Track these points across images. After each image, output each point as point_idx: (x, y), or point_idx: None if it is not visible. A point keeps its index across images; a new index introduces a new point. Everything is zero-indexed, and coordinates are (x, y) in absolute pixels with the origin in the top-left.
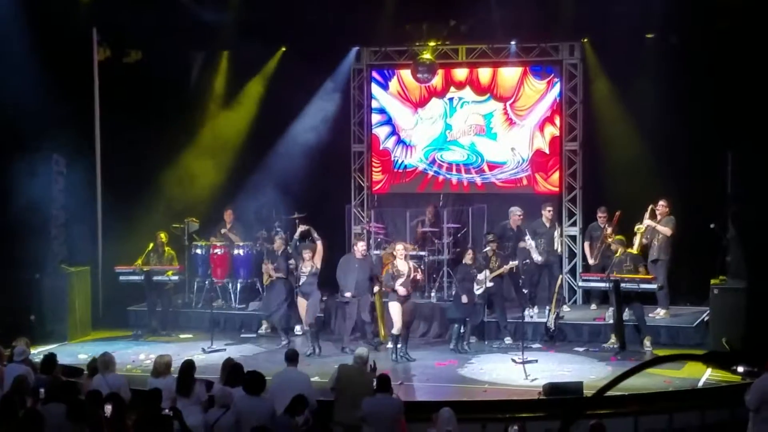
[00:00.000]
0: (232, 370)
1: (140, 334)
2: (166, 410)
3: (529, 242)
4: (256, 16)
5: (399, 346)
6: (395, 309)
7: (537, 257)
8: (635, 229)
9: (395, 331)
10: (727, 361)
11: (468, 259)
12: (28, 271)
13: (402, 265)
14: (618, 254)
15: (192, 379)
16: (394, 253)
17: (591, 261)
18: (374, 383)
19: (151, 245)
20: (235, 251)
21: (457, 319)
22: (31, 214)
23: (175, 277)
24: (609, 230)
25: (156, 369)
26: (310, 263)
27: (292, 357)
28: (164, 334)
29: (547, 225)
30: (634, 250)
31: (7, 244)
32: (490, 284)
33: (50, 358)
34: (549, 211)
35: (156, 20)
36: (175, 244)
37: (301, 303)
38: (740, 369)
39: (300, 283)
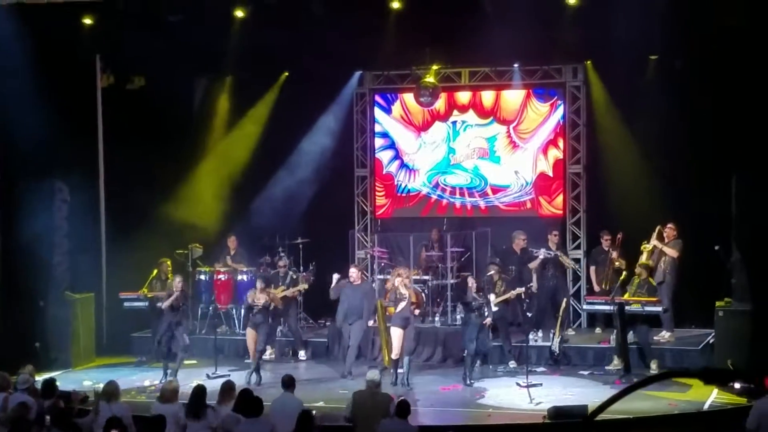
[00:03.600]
0: (240, 395)
1: (144, 361)
2: None
3: (543, 253)
4: (259, 41)
5: (400, 370)
6: (396, 334)
7: (534, 285)
8: (642, 247)
9: (394, 355)
10: (723, 378)
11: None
12: (32, 298)
13: (403, 290)
14: (639, 278)
15: (203, 404)
16: (395, 279)
17: (596, 288)
18: (390, 405)
19: (155, 272)
20: (239, 277)
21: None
22: (35, 241)
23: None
24: (615, 254)
25: (163, 395)
26: (265, 297)
27: (288, 383)
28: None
29: (554, 249)
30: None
31: (12, 271)
32: (495, 309)
33: (49, 383)
34: (555, 235)
35: (159, 47)
36: (179, 270)
37: (250, 333)
38: (737, 386)
39: (252, 313)
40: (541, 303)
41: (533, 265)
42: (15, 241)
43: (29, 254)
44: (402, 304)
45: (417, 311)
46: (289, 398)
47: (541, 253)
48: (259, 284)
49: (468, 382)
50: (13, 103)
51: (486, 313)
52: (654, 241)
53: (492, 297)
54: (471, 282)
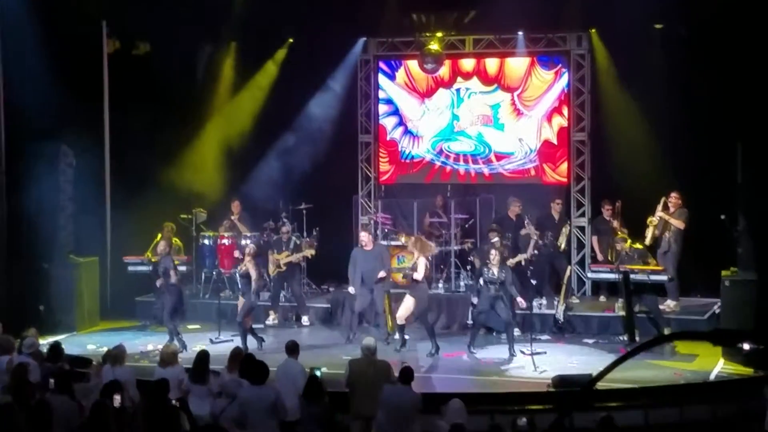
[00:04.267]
0: (244, 360)
1: (147, 325)
2: (173, 401)
3: (529, 228)
4: (263, 7)
5: (406, 336)
6: (408, 301)
7: (529, 252)
8: (647, 221)
9: (400, 321)
10: (732, 339)
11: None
12: (36, 261)
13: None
14: (624, 249)
15: (207, 368)
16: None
17: (600, 257)
18: (389, 371)
19: (159, 236)
20: (243, 242)
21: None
22: (40, 204)
23: (183, 268)
24: (616, 223)
25: (163, 359)
26: (243, 266)
27: (292, 348)
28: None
29: (556, 218)
30: (647, 242)
31: (16, 234)
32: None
33: (56, 347)
34: (558, 204)
35: (164, 13)
36: (182, 234)
37: (240, 301)
38: (746, 347)
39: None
40: (540, 269)
41: (524, 232)
42: (19, 204)
43: (34, 217)
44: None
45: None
46: (293, 364)
47: (530, 232)
48: (248, 249)
49: (471, 350)
50: (19, 68)
51: (508, 288)
52: (659, 213)
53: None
54: (494, 254)
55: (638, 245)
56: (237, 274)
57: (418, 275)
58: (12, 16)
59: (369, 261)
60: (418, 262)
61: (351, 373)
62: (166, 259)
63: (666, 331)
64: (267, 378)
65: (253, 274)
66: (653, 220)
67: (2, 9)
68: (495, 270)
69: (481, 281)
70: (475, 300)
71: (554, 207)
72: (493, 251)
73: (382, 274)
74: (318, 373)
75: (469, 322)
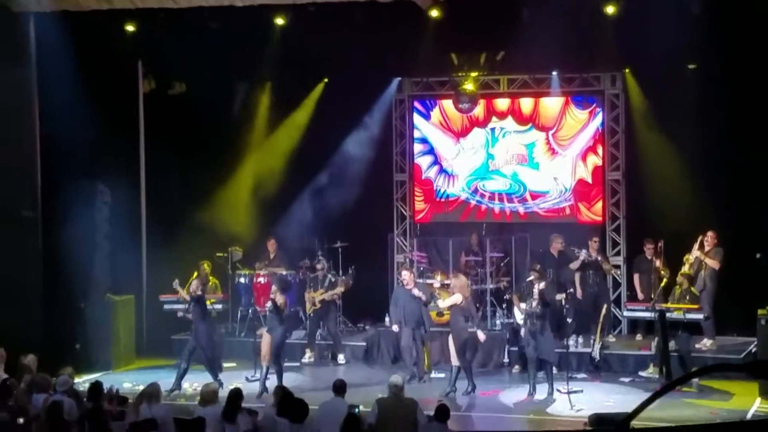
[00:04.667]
0: (284, 398)
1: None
2: None
3: (584, 254)
4: (298, 47)
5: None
6: (450, 340)
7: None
8: (684, 259)
9: (454, 362)
10: None
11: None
12: (72, 299)
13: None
14: (681, 287)
15: (238, 407)
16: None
17: (641, 296)
18: (416, 410)
19: (195, 274)
20: None
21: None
22: (76, 243)
23: (219, 306)
24: (658, 262)
25: (203, 398)
26: (277, 299)
27: (339, 387)
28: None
29: (595, 256)
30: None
31: (53, 273)
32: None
33: (96, 386)
34: (595, 242)
35: (200, 53)
36: (218, 272)
37: (265, 338)
38: None
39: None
40: (584, 308)
41: (574, 265)
42: (56, 242)
43: (70, 256)
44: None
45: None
46: (339, 403)
47: (582, 254)
48: (273, 286)
49: (532, 390)
50: (57, 107)
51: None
52: (696, 252)
53: (532, 302)
54: (535, 289)
55: (694, 289)
56: (267, 310)
57: (444, 303)
58: (49, 55)
59: (411, 300)
60: (454, 297)
61: (379, 411)
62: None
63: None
64: (306, 416)
65: (280, 300)
66: (689, 258)
67: (40, 47)
68: (534, 304)
69: (517, 316)
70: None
71: (591, 245)
72: (536, 287)
73: (419, 292)
74: (356, 411)
75: (505, 360)
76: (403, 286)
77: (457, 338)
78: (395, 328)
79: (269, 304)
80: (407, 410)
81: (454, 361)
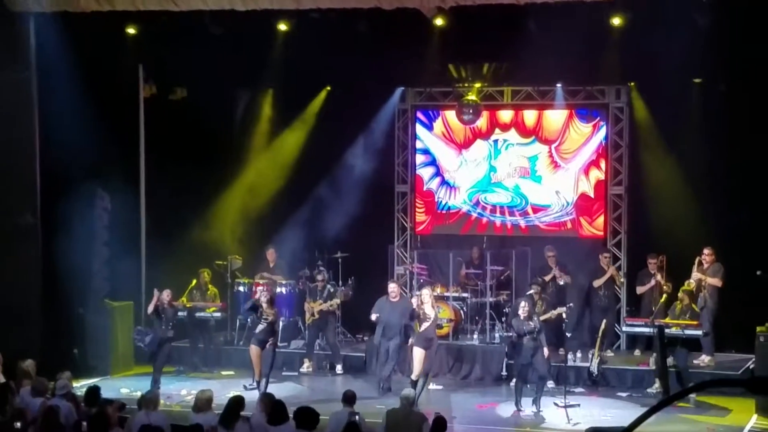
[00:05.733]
0: (274, 408)
1: (182, 371)
2: None
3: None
4: (301, 55)
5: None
6: (417, 354)
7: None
8: (686, 284)
9: (413, 376)
10: None
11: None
12: (71, 305)
13: (429, 310)
14: (682, 303)
15: (237, 415)
16: (422, 297)
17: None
18: (423, 424)
19: (195, 282)
20: (278, 289)
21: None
22: (76, 249)
23: (218, 314)
24: (659, 277)
25: (197, 405)
26: (269, 313)
27: (349, 398)
28: (206, 370)
29: (601, 269)
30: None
31: (52, 278)
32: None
33: (93, 390)
34: (606, 257)
35: (201, 58)
36: (218, 281)
37: (254, 351)
38: None
39: (256, 331)
40: (587, 322)
41: (597, 282)
42: (55, 248)
43: (69, 261)
44: (425, 324)
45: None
46: (347, 414)
47: (555, 271)
48: (263, 298)
49: (520, 407)
50: (56, 111)
51: (541, 337)
52: (696, 275)
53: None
54: (524, 305)
55: (695, 306)
56: (265, 323)
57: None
58: (49, 58)
59: (395, 313)
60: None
61: (387, 422)
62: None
63: None
64: (317, 425)
65: (264, 303)
66: (691, 283)
67: (39, 53)
68: (531, 321)
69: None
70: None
71: (602, 259)
72: (523, 303)
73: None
74: (356, 419)
75: (503, 373)
76: (387, 298)
77: (428, 348)
78: (374, 317)
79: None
80: (415, 423)
81: (417, 374)
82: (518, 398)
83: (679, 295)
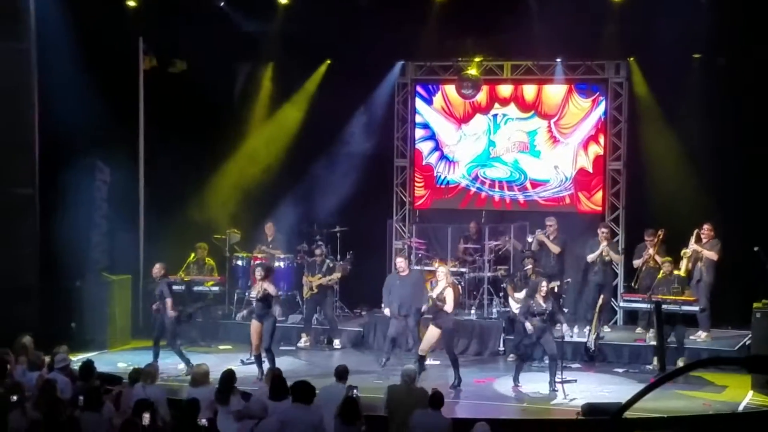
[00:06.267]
0: (274, 382)
1: (180, 344)
2: (203, 420)
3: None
4: (302, 28)
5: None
6: (432, 331)
7: (554, 248)
8: (681, 253)
9: (421, 351)
10: None
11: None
12: (69, 278)
13: (445, 291)
14: (664, 274)
15: (230, 389)
16: (437, 277)
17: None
18: (426, 399)
19: (193, 256)
20: (276, 263)
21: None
22: (74, 221)
23: (216, 288)
24: (651, 251)
25: (195, 379)
26: (263, 287)
27: (341, 374)
28: (203, 344)
29: (597, 245)
30: (682, 273)
31: (50, 251)
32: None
33: (88, 365)
34: (604, 232)
35: (202, 31)
36: (216, 255)
37: (254, 326)
38: None
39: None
40: (584, 297)
41: (591, 257)
42: (54, 220)
43: (68, 234)
44: (443, 304)
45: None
46: (339, 388)
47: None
48: (258, 273)
49: (518, 383)
50: (56, 84)
51: (557, 318)
52: (692, 246)
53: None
54: (544, 285)
55: (681, 272)
56: (254, 300)
57: (449, 307)
58: (49, 31)
59: (405, 287)
60: (446, 293)
61: (390, 399)
62: (162, 283)
63: (680, 363)
64: (314, 398)
65: (273, 291)
66: (686, 252)
67: (39, 24)
68: (541, 301)
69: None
70: (530, 327)
71: (600, 234)
72: (544, 284)
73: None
74: (355, 393)
75: (501, 348)
76: (397, 274)
77: (447, 332)
78: (387, 312)
79: (255, 292)
80: (416, 399)
81: (423, 351)
82: (517, 374)
83: (664, 267)
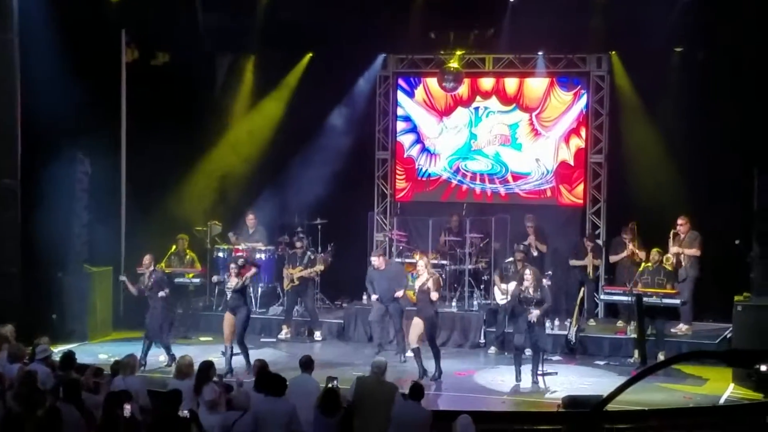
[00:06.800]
0: (261, 373)
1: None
2: (184, 412)
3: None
4: (283, 21)
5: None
6: (416, 323)
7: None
8: (664, 259)
9: (412, 344)
10: (748, 360)
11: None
12: (50, 269)
13: (427, 280)
14: (653, 263)
15: (205, 379)
16: (417, 269)
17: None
18: (395, 394)
19: (174, 247)
20: (257, 255)
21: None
22: (55, 213)
23: (197, 280)
24: (631, 245)
25: (180, 370)
26: (236, 279)
27: (307, 364)
28: (184, 336)
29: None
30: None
31: (31, 242)
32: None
33: (68, 355)
34: (589, 245)
35: (184, 23)
36: (197, 247)
37: (227, 318)
38: (764, 368)
39: (226, 297)
40: (571, 290)
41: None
42: (35, 211)
43: (49, 225)
44: (425, 294)
45: (435, 296)
46: (306, 379)
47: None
48: (232, 266)
49: (519, 378)
50: (38, 75)
51: (500, 298)
52: (673, 249)
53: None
54: (528, 274)
55: (668, 266)
56: (230, 291)
57: (434, 295)
58: (31, 24)
59: (384, 280)
60: (430, 283)
61: (357, 390)
62: (158, 271)
63: (660, 356)
64: (285, 391)
65: (250, 272)
66: (669, 257)
67: (21, 16)
68: (531, 290)
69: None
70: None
71: (586, 242)
72: (528, 272)
73: (399, 293)
74: (335, 384)
75: (481, 341)
76: (376, 269)
77: (427, 321)
78: (374, 297)
79: (231, 282)
80: (386, 393)
81: (413, 343)
82: (518, 369)
83: (652, 256)
